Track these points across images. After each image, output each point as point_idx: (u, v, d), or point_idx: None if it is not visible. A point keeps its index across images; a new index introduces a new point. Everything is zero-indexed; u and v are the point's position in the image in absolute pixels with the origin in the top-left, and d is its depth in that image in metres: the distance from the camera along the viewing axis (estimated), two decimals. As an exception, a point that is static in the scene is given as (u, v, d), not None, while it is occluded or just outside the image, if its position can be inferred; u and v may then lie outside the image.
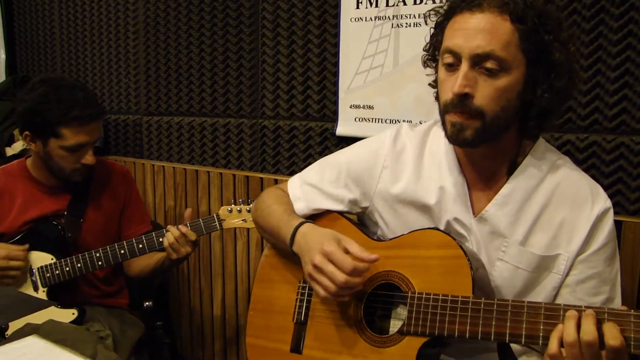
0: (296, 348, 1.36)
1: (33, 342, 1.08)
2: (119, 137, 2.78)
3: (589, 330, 0.95)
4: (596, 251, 1.19)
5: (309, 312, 1.36)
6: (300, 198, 1.46)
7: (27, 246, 1.85)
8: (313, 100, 2.12)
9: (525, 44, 1.14)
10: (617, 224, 1.49)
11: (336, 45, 2.02)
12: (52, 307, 1.82)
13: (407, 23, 1.88)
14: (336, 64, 2.03)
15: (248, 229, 2.25)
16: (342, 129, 2.04)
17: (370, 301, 1.28)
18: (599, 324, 0.96)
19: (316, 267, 1.22)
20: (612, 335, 0.94)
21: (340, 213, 1.43)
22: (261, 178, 2.21)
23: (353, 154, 1.45)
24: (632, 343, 0.95)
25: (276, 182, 2.17)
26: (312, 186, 1.46)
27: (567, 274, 1.20)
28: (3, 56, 3.34)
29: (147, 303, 2.08)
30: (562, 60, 1.16)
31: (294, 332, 1.37)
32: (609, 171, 1.59)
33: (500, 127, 1.18)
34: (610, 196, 1.46)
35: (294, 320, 1.38)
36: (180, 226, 1.80)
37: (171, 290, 2.55)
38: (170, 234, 1.79)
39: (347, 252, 1.21)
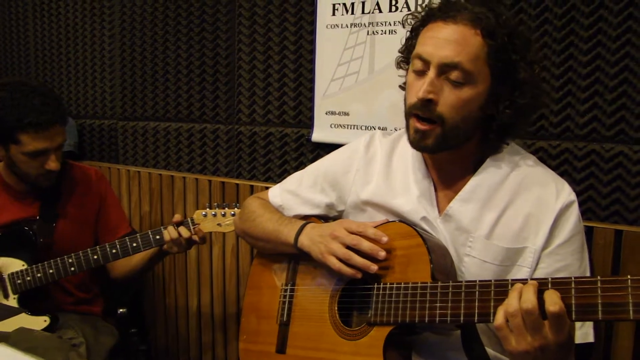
0: (281, 348, 1.41)
1: (0, 351, 1.06)
2: (93, 142, 2.75)
3: (527, 298, 0.98)
4: (562, 244, 1.22)
5: (291, 313, 1.42)
6: (281, 205, 1.53)
7: None
8: (289, 107, 2.12)
9: (493, 60, 1.19)
10: (588, 230, 1.52)
11: (312, 51, 2.03)
12: (23, 315, 1.79)
13: (382, 30, 1.89)
14: (312, 71, 2.04)
15: (224, 234, 2.24)
16: (317, 135, 2.04)
17: (344, 296, 1.33)
18: (541, 293, 0.98)
19: (349, 247, 1.25)
20: (552, 302, 0.96)
21: (318, 218, 1.50)
22: (237, 184, 2.20)
23: (330, 160, 1.53)
24: (573, 310, 0.97)
25: (252, 188, 2.16)
26: (290, 193, 1.53)
27: (536, 268, 1.23)
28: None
29: (121, 310, 2.06)
30: (526, 79, 1.22)
31: (279, 333, 1.43)
32: (581, 178, 1.62)
33: (459, 136, 1.24)
34: (582, 203, 1.49)
35: (278, 322, 1.44)
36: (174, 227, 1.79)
37: (146, 297, 2.53)
38: (173, 230, 1.78)
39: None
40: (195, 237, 1.79)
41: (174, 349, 2.54)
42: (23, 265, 1.84)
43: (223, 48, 2.26)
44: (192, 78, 2.36)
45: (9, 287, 1.83)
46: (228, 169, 2.29)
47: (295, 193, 1.52)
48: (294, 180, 1.56)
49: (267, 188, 2.09)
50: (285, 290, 1.45)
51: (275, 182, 2.14)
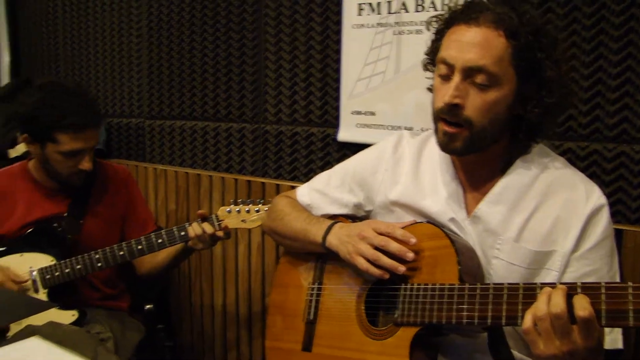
0: (307, 347, 1.42)
1: (35, 344, 1.08)
2: (121, 141, 2.79)
3: (556, 303, 0.97)
4: (591, 248, 1.21)
5: (318, 311, 1.43)
6: (309, 204, 1.55)
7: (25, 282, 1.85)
8: (315, 106, 2.13)
9: (517, 60, 1.19)
10: (618, 233, 1.50)
11: (338, 51, 2.03)
12: (53, 309, 1.83)
13: (408, 30, 1.89)
14: (338, 70, 2.04)
15: (249, 231, 2.26)
16: (343, 135, 2.05)
17: (371, 296, 1.34)
18: (570, 298, 0.97)
19: (377, 247, 1.26)
20: (581, 307, 0.95)
21: (345, 217, 1.50)
22: (263, 183, 2.22)
23: (358, 159, 1.54)
24: (603, 315, 0.96)
25: (278, 187, 2.18)
26: (318, 192, 1.55)
27: (564, 272, 1.22)
28: (8, 59, 3.35)
29: (148, 306, 2.08)
30: (553, 77, 1.21)
31: (305, 331, 1.44)
32: (610, 180, 1.60)
33: (487, 138, 1.24)
34: (611, 205, 1.47)
35: (304, 321, 1.45)
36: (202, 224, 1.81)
37: (172, 293, 2.56)
38: (197, 226, 1.79)
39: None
40: (220, 233, 1.80)
41: (199, 346, 2.56)
42: (52, 260, 1.88)
43: (250, 47, 2.28)
44: (219, 77, 2.38)
45: (38, 282, 1.87)
46: (254, 167, 2.31)
47: (323, 192, 1.53)
48: (322, 179, 1.57)
49: (292, 187, 2.10)
50: (312, 289, 1.46)
51: (301, 181, 2.15)
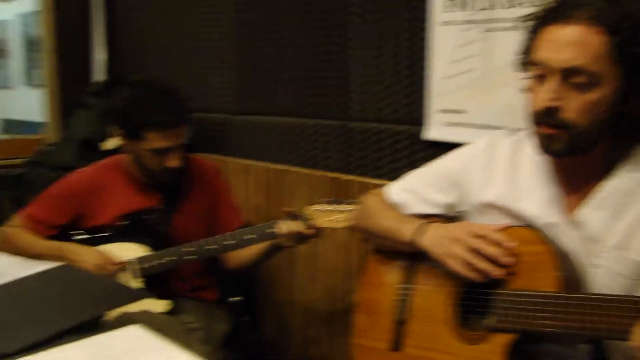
0: (395, 346, 1.42)
1: (134, 332, 1.13)
2: (207, 135, 2.86)
3: None
4: None
5: (407, 311, 1.42)
6: (400, 203, 1.53)
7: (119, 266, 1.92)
8: (401, 104, 2.11)
9: (619, 56, 1.12)
10: None
11: (425, 48, 2.00)
12: (147, 298, 1.90)
13: (499, 27, 1.84)
14: (425, 68, 2.01)
15: (333, 229, 2.26)
16: (431, 134, 2.02)
17: (463, 298, 1.32)
18: None
19: (472, 250, 1.24)
20: None
21: (436, 217, 1.48)
22: (347, 180, 2.22)
23: (451, 159, 1.51)
24: None
25: (362, 185, 2.17)
26: (410, 191, 1.53)
27: None
28: (102, 56, 3.50)
29: (235, 299, 2.13)
30: None
31: (394, 331, 1.43)
32: None
33: (588, 140, 1.18)
34: None
35: (393, 320, 1.44)
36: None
37: (257, 287, 2.60)
38: (286, 224, 1.82)
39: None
40: (309, 232, 1.82)
41: (281, 340, 2.60)
42: (147, 251, 1.95)
43: (335, 43, 2.28)
44: (305, 74, 2.40)
45: (134, 271, 1.94)
46: (338, 164, 2.32)
47: (414, 191, 1.52)
48: (413, 178, 1.56)
49: (377, 186, 2.10)
50: (402, 289, 1.45)
51: (387, 180, 2.13)
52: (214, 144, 2.84)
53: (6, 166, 3.30)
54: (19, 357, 0.98)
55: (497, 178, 1.37)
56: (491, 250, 1.21)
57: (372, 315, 1.52)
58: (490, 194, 1.36)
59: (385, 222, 1.48)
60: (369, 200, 1.60)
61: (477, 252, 1.23)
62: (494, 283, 1.23)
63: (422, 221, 1.41)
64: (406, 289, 1.45)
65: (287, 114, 2.49)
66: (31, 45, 5.25)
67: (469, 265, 1.23)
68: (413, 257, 1.46)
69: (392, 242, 1.47)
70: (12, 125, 5.72)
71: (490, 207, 1.36)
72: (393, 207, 1.54)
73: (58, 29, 3.49)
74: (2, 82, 5.92)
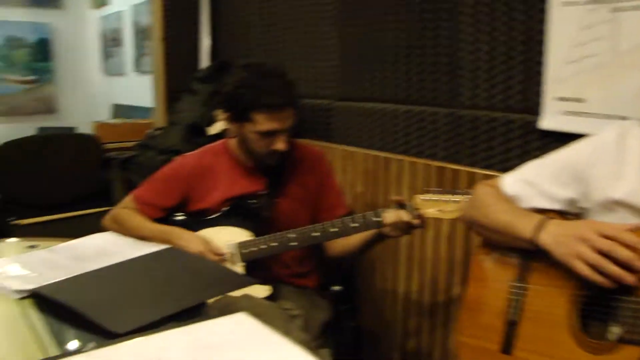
0: (506, 349, 1.33)
1: (242, 320, 1.11)
2: (311, 121, 2.85)
3: None
4: None
5: (521, 312, 1.33)
6: (516, 196, 1.43)
7: (224, 255, 1.93)
8: (515, 91, 1.99)
9: None
10: None
11: (543, 31, 1.88)
12: (247, 282, 1.91)
13: (628, 6, 1.69)
14: (543, 52, 1.89)
15: (438, 220, 2.19)
16: (547, 123, 1.90)
17: (584, 303, 1.23)
18: None
19: (601, 252, 1.15)
20: None
21: (556, 213, 1.38)
22: (455, 170, 2.14)
23: (573, 150, 1.40)
24: None
25: (471, 175, 2.08)
26: (527, 183, 1.43)
27: None
28: (208, 42, 3.57)
29: (336, 287, 2.10)
30: None
31: (504, 332, 1.35)
32: None
33: None
34: None
35: (505, 320, 1.35)
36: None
37: (357, 275, 2.57)
38: (393, 213, 1.78)
39: None
40: (416, 222, 1.76)
41: (379, 330, 2.56)
42: (250, 236, 1.96)
43: (444, 28, 2.19)
44: (412, 59, 2.32)
45: (236, 255, 1.95)
46: (446, 153, 2.23)
47: (532, 184, 1.42)
48: (531, 169, 1.46)
49: (487, 176, 2.01)
50: (515, 287, 1.36)
51: (497, 170, 2.04)
52: (316, 130, 2.82)
53: (118, 149, 3.45)
54: (127, 339, 0.99)
55: (628, 173, 1.25)
56: (624, 253, 1.10)
57: (480, 313, 1.44)
58: (619, 190, 1.25)
59: (500, 216, 1.39)
60: (481, 191, 1.51)
61: (607, 254, 1.12)
62: (622, 289, 1.12)
63: (541, 216, 1.31)
64: (519, 287, 1.36)
65: (393, 100, 2.43)
66: (141, 33, 5.47)
67: (597, 268, 1.13)
68: (527, 253, 1.37)
69: (507, 238, 1.38)
70: (124, 110, 6.00)
71: (619, 204, 1.25)
72: (508, 200, 1.45)
73: (166, 18, 3.60)
74: (116, 69, 6.23)
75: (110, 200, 3.08)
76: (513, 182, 1.46)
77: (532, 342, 1.29)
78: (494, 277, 1.44)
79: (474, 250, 1.55)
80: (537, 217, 1.31)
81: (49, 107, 6.59)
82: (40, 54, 6.49)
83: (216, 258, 1.90)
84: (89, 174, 3.21)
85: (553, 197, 1.38)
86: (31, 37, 6.41)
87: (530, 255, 1.36)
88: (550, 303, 1.28)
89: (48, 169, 3.19)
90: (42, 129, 6.04)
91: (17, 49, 6.36)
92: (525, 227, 1.31)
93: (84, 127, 5.43)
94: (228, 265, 1.95)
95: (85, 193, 3.31)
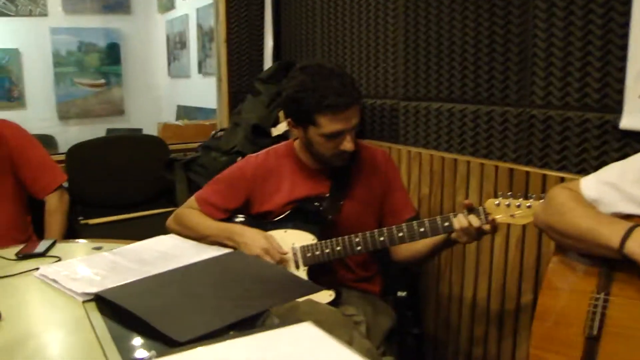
0: None
1: (307, 329, 1.07)
2: (375, 121, 2.79)
3: None
4: None
5: (603, 326, 1.24)
6: (597, 199, 1.34)
7: (284, 252, 1.90)
8: (592, 89, 1.88)
9: None
10: None
11: (626, 24, 1.76)
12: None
13: None
14: (624, 47, 1.77)
15: (508, 225, 2.10)
16: (628, 122, 1.78)
17: None
18: None
19: None
20: None
21: None
22: (527, 172, 2.04)
23: None
24: None
25: (544, 177, 1.98)
26: (610, 186, 1.33)
27: None
28: (271, 43, 3.56)
29: (401, 293, 2.04)
30: None
31: (585, 347, 1.26)
32: None
33: None
34: None
35: (585, 335, 1.26)
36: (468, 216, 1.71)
37: (421, 280, 2.50)
38: (463, 218, 1.71)
39: None
40: (487, 227, 1.68)
41: (443, 336, 2.48)
42: (313, 239, 1.92)
43: (515, 25, 2.09)
44: (480, 57, 2.23)
45: (300, 259, 1.92)
46: (517, 154, 2.13)
47: (616, 187, 1.32)
48: (614, 171, 1.36)
49: (561, 179, 1.91)
50: (597, 299, 1.27)
51: (572, 173, 1.93)
52: (381, 131, 2.76)
53: (182, 150, 3.48)
54: (189, 348, 0.96)
55: None
56: None
57: (557, 326, 1.35)
58: None
59: (581, 222, 1.30)
60: (559, 194, 1.42)
61: None
62: None
63: (629, 223, 1.21)
64: (601, 299, 1.27)
65: (460, 100, 2.34)
66: (205, 36, 5.55)
67: None
68: (611, 263, 1.27)
69: (589, 245, 1.29)
70: (189, 112, 6.11)
71: None
72: (588, 205, 1.35)
73: (230, 20, 3.62)
74: (181, 71, 6.34)
75: (174, 201, 3.10)
76: (594, 185, 1.37)
77: (618, 359, 1.19)
78: (572, 286, 1.35)
79: (548, 258, 1.46)
80: (624, 224, 1.21)
81: (117, 109, 6.78)
82: (110, 58, 6.68)
83: (278, 256, 1.87)
84: (154, 174, 3.25)
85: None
86: (102, 42, 6.61)
87: (613, 264, 1.27)
88: (636, 317, 1.18)
89: (114, 170, 3.25)
90: (110, 131, 6.22)
91: (89, 54, 6.57)
92: (611, 234, 1.22)
93: (150, 129, 5.55)
94: (291, 269, 1.92)
95: (151, 193, 3.35)
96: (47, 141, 5.64)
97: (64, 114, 6.48)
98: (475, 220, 1.67)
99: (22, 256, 1.70)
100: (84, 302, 1.31)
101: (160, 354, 0.96)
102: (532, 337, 1.40)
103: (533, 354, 1.38)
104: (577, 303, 1.31)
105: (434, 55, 2.43)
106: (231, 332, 1.13)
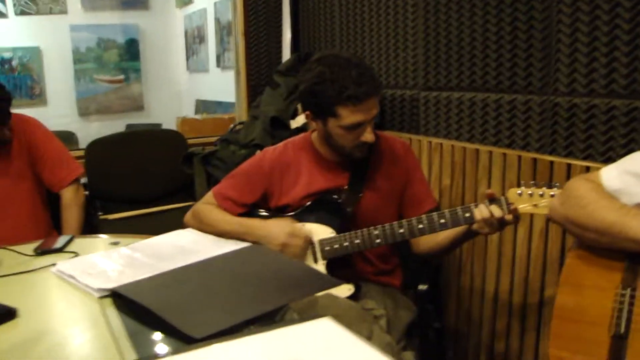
0: None
1: (326, 326, 1.04)
2: (395, 112, 2.75)
3: None
4: None
5: (630, 324, 1.18)
6: (620, 190, 1.28)
7: (307, 237, 1.87)
8: (620, 74, 1.82)
9: None
10: None
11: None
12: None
13: None
14: (654, 31, 1.71)
15: (531, 215, 2.05)
16: (657, 108, 1.72)
17: None
18: None
19: None
20: None
21: None
22: (551, 161, 1.98)
23: None
24: None
25: (568, 167, 1.93)
26: (634, 175, 1.27)
27: None
28: (289, 35, 3.53)
29: (422, 286, 2.00)
30: None
31: (611, 347, 1.20)
32: None
33: None
34: None
35: (611, 334, 1.21)
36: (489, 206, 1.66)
37: (442, 273, 2.46)
38: (484, 208, 1.66)
39: None
40: (509, 217, 1.64)
41: (464, 330, 2.44)
42: (332, 232, 1.88)
43: (539, 11, 2.04)
44: (502, 45, 2.18)
45: (318, 253, 1.89)
46: (540, 144, 2.08)
47: None
48: (637, 161, 1.30)
49: (587, 168, 1.85)
50: (623, 295, 1.21)
51: (598, 162, 1.88)
52: (401, 122, 2.72)
53: (201, 144, 3.47)
54: (205, 344, 0.94)
55: None
56: None
57: (580, 324, 1.29)
58: None
59: (605, 214, 1.25)
60: (580, 186, 1.35)
61: None
62: None
63: None
64: (628, 295, 1.21)
65: (482, 89, 2.29)
66: (223, 30, 5.53)
67: None
68: (633, 256, 1.22)
69: (615, 239, 1.23)
70: (208, 106, 6.11)
71: None
72: (610, 196, 1.30)
73: (247, 12, 3.59)
74: (200, 66, 6.34)
75: (193, 195, 3.09)
76: (617, 175, 1.31)
77: None
78: (593, 283, 1.29)
79: (567, 253, 1.40)
80: None
81: (136, 105, 6.79)
82: (129, 54, 6.69)
83: (301, 242, 1.84)
84: (172, 169, 3.24)
85: None
86: (121, 38, 6.63)
87: (638, 259, 1.21)
88: None
89: (133, 165, 3.25)
90: (129, 126, 6.24)
91: (109, 50, 6.59)
92: (638, 226, 1.17)
93: (170, 124, 5.55)
94: (310, 263, 1.89)
95: (170, 188, 3.35)
96: (68, 137, 5.66)
97: (84, 111, 6.51)
98: (497, 211, 1.63)
99: (40, 252, 1.70)
100: (100, 297, 1.30)
101: (177, 351, 0.94)
102: (551, 337, 1.34)
103: (553, 355, 1.32)
104: (600, 300, 1.26)
105: (455, 43, 2.38)
106: (250, 328, 1.11)
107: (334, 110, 1.78)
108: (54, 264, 1.53)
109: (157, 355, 0.91)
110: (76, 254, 1.66)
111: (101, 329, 1.16)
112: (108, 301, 1.28)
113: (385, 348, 1.59)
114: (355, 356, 0.93)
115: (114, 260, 1.51)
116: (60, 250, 1.72)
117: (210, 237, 1.76)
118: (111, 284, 1.30)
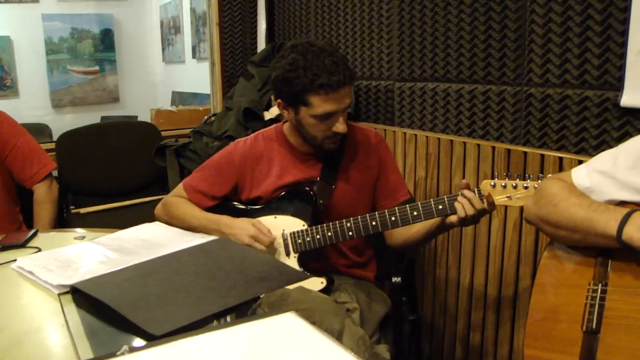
0: None
1: (290, 320, 1.01)
2: (369, 103, 2.72)
3: None
4: None
5: (602, 319, 1.17)
6: (589, 188, 1.28)
7: (272, 238, 1.84)
8: (592, 65, 1.81)
9: None
10: None
11: (626, -3, 1.69)
12: (300, 274, 1.81)
13: None
14: (625, 21, 1.70)
15: (505, 207, 2.04)
16: (629, 99, 1.71)
17: None
18: None
19: None
20: None
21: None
22: (524, 152, 1.97)
23: None
24: None
25: (542, 157, 1.92)
26: (603, 174, 1.27)
27: None
28: (264, 26, 3.48)
29: (395, 279, 1.98)
30: None
31: (584, 342, 1.19)
32: None
33: None
34: None
35: (583, 329, 1.20)
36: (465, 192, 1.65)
37: (417, 265, 2.45)
38: (459, 200, 1.64)
39: None
40: (483, 209, 1.62)
41: (439, 322, 2.43)
42: (303, 225, 1.85)
43: (513, 1, 2.02)
44: (476, 35, 2.16)
45: (290, 246, 1.86)
46: (514, 135, 2.07)
47: (609, 174, 1.26)
48: (606, 159, 1.30)
49: (560, 159, 1.85)
50: (595, 291, 1.21)
51: (571, 152, 1.87)
52: (376, 113, 2.70)
53: (175, 136, 3.41)
54: (164, 342, 0.90)
55: None
56: None
57: (552, 323, 1.29)
58: None
59: (575, 211, 1.24)
60: (551, 185, 1.35)
61: None
62: None
63: (625, 209, 1.16)
64: (599, 290, 1.21)
65: (456, 80, 2.27)
66: (199, 20, 5.46)
67: None
68: (607, 252, 1.22)
69: (585, 236, 1.23)
70: (184, 97, 6.03)
71: None
72: (581, 194, 1.30)
73: (222, 3, 3.54)
74: (176, 57, 6.26)
75: (167, 188, 3.05)
76: (587, 173, 1.31)
77: (619, 354, 1.14)
78: (567, 281, 1.29)
79: (547, 241, 1.39)
80: (620, 210, 1.16)
81: (112, 97, 6.70)
82: (103, 45, 6.59)
83: (267, 241, 1.81)
84: (146, 161, 3.18)
85: (636, 188, 1.22)
86: (95, 29, 6.52)
87: (609, 254, 1.21)
88: (636, 307, 1.13)
89: (106, 158, 3.19)
90: (104, 118, 6.15)
91: (83, 40, 6.48)
92: (607, 221, 1.16)
93: (146, 116, 5.48)
94: (281, 256, 1.86)
95: (144, 181, 3.29)
96: (41, 130, 5.57)
97: (58, 102, 6.40)
98: (473, 202, 1.61)
99: (1, 247, 1.65)
100: (59, 294, 1.25)
101: (135, 349, 0.90)
102: (525, 337, 1.33)
103: (528, 355, 1.31)
104: (575, 298, 1.25)
105: (429, 34, 2.36)
106: (214, 323, 1.08)
107: (305, 99, 1.74)
108: (14, 260, 1.48)
109: (114, 354, 0.88)
110: (39, 249, 1.61)
111: (59, 327, 1.12)
112: (68, 298, 1.24)
113: (357, 341, 1.57)
114: (317, 351, 0.90)
115: (77, 255, 1.47)
116: (22, 245, 1.67)
117: (176, 230, 1.72)
118: (71, 280, 1.26)
